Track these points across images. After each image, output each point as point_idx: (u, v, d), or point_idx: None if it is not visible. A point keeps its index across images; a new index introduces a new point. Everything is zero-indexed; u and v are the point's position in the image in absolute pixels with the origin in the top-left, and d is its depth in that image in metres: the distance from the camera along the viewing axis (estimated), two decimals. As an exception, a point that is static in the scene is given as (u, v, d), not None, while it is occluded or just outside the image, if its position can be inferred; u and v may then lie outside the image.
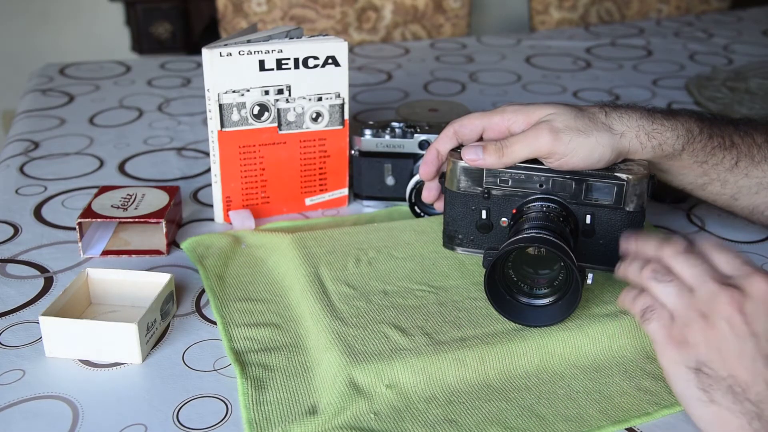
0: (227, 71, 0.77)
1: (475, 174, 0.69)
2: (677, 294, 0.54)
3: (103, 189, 0.81)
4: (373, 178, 0.85)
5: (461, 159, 0.69)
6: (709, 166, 0.71)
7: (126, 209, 0.77)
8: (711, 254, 0.55)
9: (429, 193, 0.76)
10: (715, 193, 0.74)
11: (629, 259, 0.59)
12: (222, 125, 0.79)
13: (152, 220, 0.76)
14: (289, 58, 0.78)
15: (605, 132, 0.66)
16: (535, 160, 0.68)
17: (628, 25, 1.68)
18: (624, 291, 0.59)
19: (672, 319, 0.54)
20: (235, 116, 0.79)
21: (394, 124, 0.84)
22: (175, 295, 0.68)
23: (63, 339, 0.61)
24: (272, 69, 0.78)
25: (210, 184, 0.87)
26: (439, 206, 0.76)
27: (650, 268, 0.56)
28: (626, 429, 0.56)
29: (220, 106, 0.78)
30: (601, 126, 0.66)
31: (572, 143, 0.65)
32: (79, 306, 0.67)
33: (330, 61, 0.79)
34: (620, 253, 0.61)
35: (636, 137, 0.67)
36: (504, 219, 0.70)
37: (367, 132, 0.83)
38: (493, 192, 0.69)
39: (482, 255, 0.66)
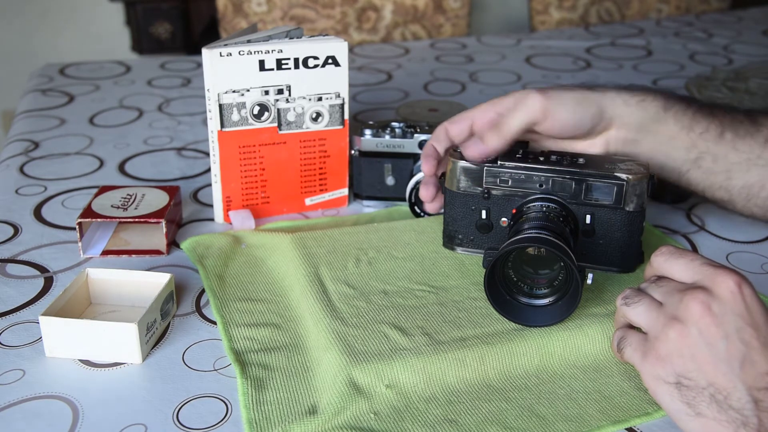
0: (227, 71, 0.77)
1: (475, 174, 0.69)
2: (646, 310, 0.55)
3: (103, 189, 0.81)
4: (373, 178, 0.85)
5: (461, 159, 0.69)
6: (696, 135, 0.72)
7: (126, 209, 0.77)
8: (670, 267, 0.55)
9: (427, 192, 0.74)
10: (709, 171, 0.73)
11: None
12: (222, 125, 0.79)
13: (152, 220, 0.76)
14: (289, 58, 0.78)
15: (588, 90, 0.71)
16: (535, 159, 0.68)
17: (628, 25, 1.68)
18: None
19: (645, 338, 0.55)
20: (235, 116, 0.79)
21: (394, 124, 0.84)
22: (175, 295, 0.68)
23: (63, 339, 0.61)
24: (272, 69, 0.78)
25: (210, 184, 0.87)
26: (431, 207, 0.75)
27: (621, 296, 0.57)
28: (626, 429, 0.56)
29: (220, 106, 0.78)
30: (583, 88, 0.71)
31: (561, 97, 0.69)
32: (79, 306, 0.67)
33: (330, 61, 0.79)
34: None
35: (618, 95, 0.72)
36: (504, 219, 0.70)
37: (367, 132, 0.83)
38: (493, 192, 0.69)
39: (482, 255, 0.66)
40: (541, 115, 0.68)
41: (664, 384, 0.52)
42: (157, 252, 0.77)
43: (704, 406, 0.50)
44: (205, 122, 1.10)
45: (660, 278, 0.56)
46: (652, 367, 0.53)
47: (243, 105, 0.79)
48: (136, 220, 0.76)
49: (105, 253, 0.77)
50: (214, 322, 0.67)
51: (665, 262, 0.56)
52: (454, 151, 0.71)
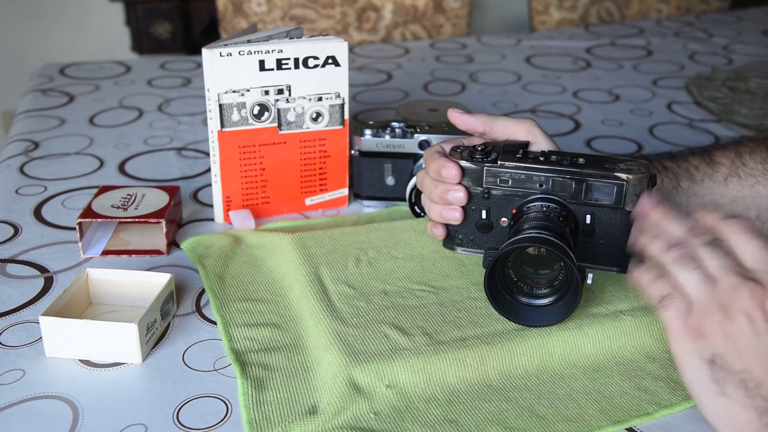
0: (227, 71, 0.77)
1: (475, 174, 0.69)
2: (699, 283, 0.53)
3: (103, 189, 0.81)
4: (373, 178, 0.85)
5: (461, 159, 0.69)
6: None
7: (126, 209, 0.77)
8: (738, 242, 0.53)
9: (464, 194, 0.70)
10: None
11: (651, 233, 0.57)
12: (222, 125, 0.79)
13: (152, 220, 0.76)
14: (289, 58, 0.78)
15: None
16: (535, 159, 0.68)
17: (628, 25, 1.68)
18: (639, 270, 0.56)
19: (690, 308, 0.53)
20: (235, 116, 0.79)
21: (394, 124, 0.84)
22: (175, 295, 0.68)
23: (63, 339, 0.61)
24: (272, 69, 0.78)
25: (210, 184, 0.87)
26: (448, 215, 0.71)
27: (676, 252, 0.54)
28: (626, 429, 0.56)
29: (220, 106, 0.78)
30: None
31: (545, 135, 0.73)
32: (79, 306, 0.67)
33: (330, 61, 0.79)
34: (636, 217, 0.59)
35: None
36: (504, 219, 0.70)
37: (367, 132, 0.83)
38: (493, 192, 0.69)
39: (482, 255, 0.66)
40: (525, 132, 0.72)
41: (697, 359, 0.52)
42: (157, 252, 0.77)
43: (732, 388, 0.50)
44: (205, 122, 1.10)
45: (716, 243, 0.54)
46: (690, 341, 0.52)
47: (243, 105, 0.79)
48: (136, 220, 0.76)
49: (105, 253, 0.77)
50: (214, 322, 0.67)
51: (736, 234, 0.53)
52: (453, 151, 0.71)
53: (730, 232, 0.54)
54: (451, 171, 0.69)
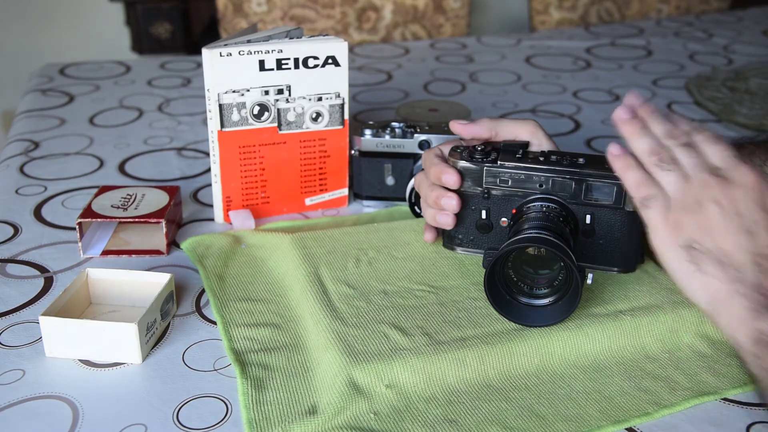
0: (227, 71, 0.77)
1: (475, 174, 0.69)
2: (676, 182, 0.60)
3: (103, 189, 0.81)
4: (373, 178, 0.85)
5: (461, 159, 0.69)
6: None
7: (126, 209, 0.77)
8: (707, 146, 0.60)
9: (457, 202, 0.70)
10: None
11: (636, 131, 0.62)
12: (222, 125, 0.79)
13: (152, 220, 0.76)
14: (289, 58, 0.78)
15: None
16: (535, 159, 0.68)
17: (628, 25, 1.68)
18: (621, 160, 0.62)
19: (669, 205, 0.59)
20: (235, 116, 0.79)
21: (394, 124, 0.84)
22: (175, 295, 0.68)
23: (63, 339, 0.61)
24: (272, 69, 0.78)
25: (210, 184, 0.87)
26: (442, 220, 0.71)
27: (656, 156, 0.61)
28: (626, 429, 0.56)
29: (220, 106, 0.78)
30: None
31: (548, 137, 0.74)
32: (79, 306, 0.67)
33: (330, 61, 0.79)
34: (624, 109, 0.64)
35: None
36: (504, 219, 0.70)
37: (367, 132, 0.83)
38: (493, 192, 0.70)
39: (482, 255, 0.66)
40: (528, 133, 0.73)
41: (676, 247, 0.58)
42: (157, 252, 0.77)
43: (708, 265, 0.56)
44: (205, 122, 1.10)
45: (690, 145, 0.60)
46: (669, 233, 0.58)
47: (243, 105, 0.79)
48: (136, 220, 0.76)
49: (105, 253, 0.77)
50: (214, 322, 0.67)
51: (704, 140, 0.60)
52: (453, 151, 0.71)
53: (699, 139, 0.61)
54: (451, 178, 0.70)
